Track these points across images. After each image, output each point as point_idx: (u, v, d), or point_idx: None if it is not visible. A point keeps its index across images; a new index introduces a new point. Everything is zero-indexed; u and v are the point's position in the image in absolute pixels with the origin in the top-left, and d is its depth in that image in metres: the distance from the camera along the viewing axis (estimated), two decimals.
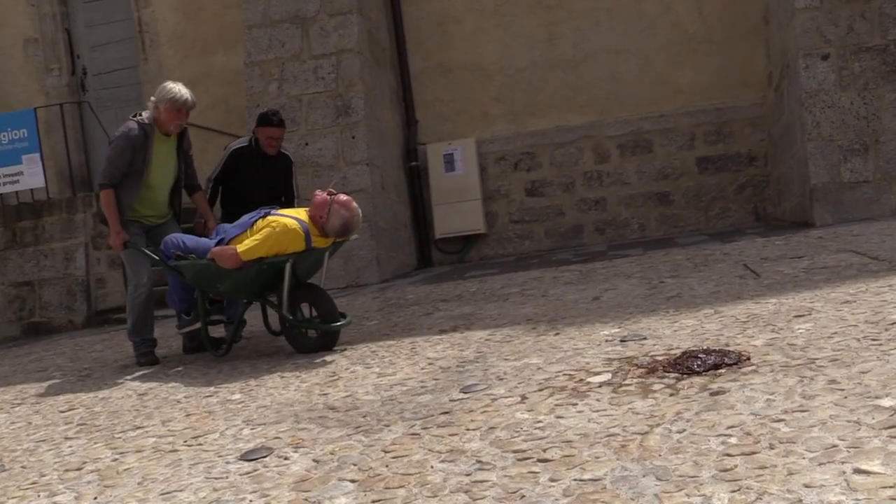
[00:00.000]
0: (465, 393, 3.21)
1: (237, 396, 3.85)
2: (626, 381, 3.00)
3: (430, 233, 9.77)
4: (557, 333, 4.13)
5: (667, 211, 9.55)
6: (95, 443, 3.36)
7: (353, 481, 2.41)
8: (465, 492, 2.18)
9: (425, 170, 9.69)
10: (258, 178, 5.58)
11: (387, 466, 2.49)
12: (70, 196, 9.31)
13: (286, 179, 5.81)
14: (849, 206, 7.49)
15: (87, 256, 8.78)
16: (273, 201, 5.39)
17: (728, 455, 2.13)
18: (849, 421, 2.23)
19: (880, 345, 2.96)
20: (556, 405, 2.84)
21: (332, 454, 2.70)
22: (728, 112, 9.38)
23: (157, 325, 5.46)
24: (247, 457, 2.82)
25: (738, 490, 1.92)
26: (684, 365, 3.07)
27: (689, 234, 9.16)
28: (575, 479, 2.14)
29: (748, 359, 3.04)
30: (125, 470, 2.90)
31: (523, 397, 3.01)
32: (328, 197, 4.75)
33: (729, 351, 3.17)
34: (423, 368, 3.81)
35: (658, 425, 2.45)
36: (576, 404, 2.81)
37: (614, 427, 2.50)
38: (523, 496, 2.10)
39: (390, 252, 8.51)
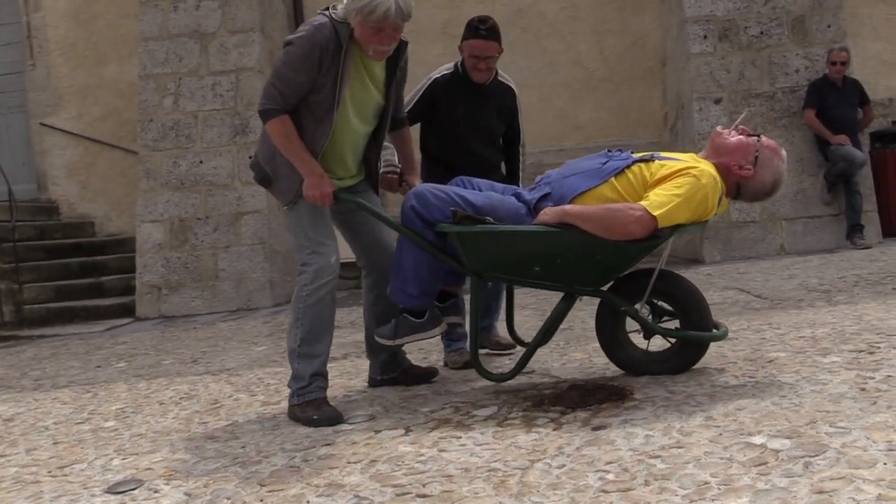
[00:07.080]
0: (350, 424, 3.13)
1: (111, 424, 3.66)
2: (512, 415, 2.99)
3: None
4: (447, 364, 4.10)
5: None
6: None
7: None
8: None
9: None
10: (465, 116, 4.00)
11: (261, 501, 2.39)
12: None
13: (509, 120, 4.15)
14: (736, 245, 7.78)
15: None
16: (490, 149, 4.05)
17: (604, 491, 2.13)
18: (721, 458, 2.26)
19: (756, 382, 3.04)
20: (440, 438, 2.80)
21: (205, 487, 2.58)
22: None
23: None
24: (114, 489, 2.67)
25: None
26: (569, 399, 3.08)
27: None
28: None
29: (632, 394, 3.07)
30: None
31: (408, 429, 2.96)
32: (751, 140, 3.23)
33: (614, 386, 3.20)
34: None
35: (539, 460, 2.44)
36: (459, 437, 2.78)
37: (496, 462, 2.47)
38: None
39: (285, 276, 8.35)
